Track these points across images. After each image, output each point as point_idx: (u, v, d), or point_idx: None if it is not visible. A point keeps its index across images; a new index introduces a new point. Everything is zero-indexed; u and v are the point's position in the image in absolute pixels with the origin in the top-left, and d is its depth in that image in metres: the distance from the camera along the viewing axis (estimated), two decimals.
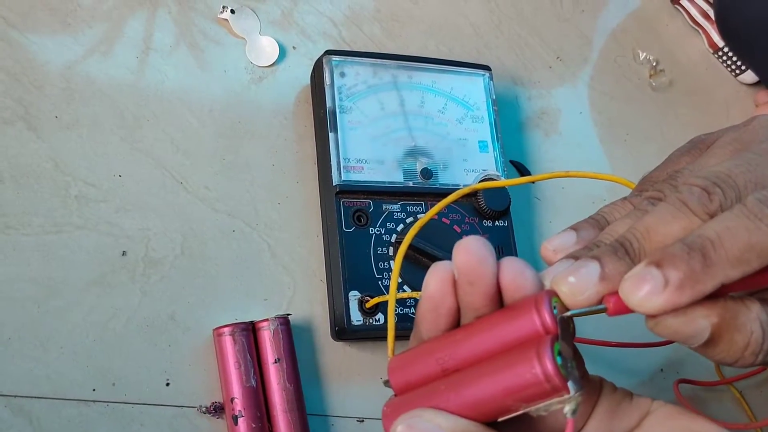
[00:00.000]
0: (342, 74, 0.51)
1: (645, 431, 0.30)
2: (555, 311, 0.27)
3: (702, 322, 0.27)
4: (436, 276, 0.30)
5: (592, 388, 0.31)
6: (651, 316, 0.27)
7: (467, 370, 0.28)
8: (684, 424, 0.30)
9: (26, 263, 0.44)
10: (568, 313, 0.28)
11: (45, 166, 0.46)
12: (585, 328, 0.54)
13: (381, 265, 0.47)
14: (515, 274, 0.28)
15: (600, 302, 0.28)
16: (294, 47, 0.55)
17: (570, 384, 0.26)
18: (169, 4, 0.52)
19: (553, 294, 0.28)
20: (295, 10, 0.56)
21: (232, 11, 0.53)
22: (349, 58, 0.51)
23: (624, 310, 0.28)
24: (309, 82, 0.53)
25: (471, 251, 0.29)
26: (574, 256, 0.29)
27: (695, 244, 0.27)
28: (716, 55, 0.72)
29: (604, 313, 0.28)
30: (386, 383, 0.31)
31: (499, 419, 0.28)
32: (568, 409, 0.26)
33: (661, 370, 0.56)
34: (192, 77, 0.51)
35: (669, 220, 0.28)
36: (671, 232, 0.28)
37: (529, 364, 0.26)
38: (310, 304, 0.48)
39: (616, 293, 0.27)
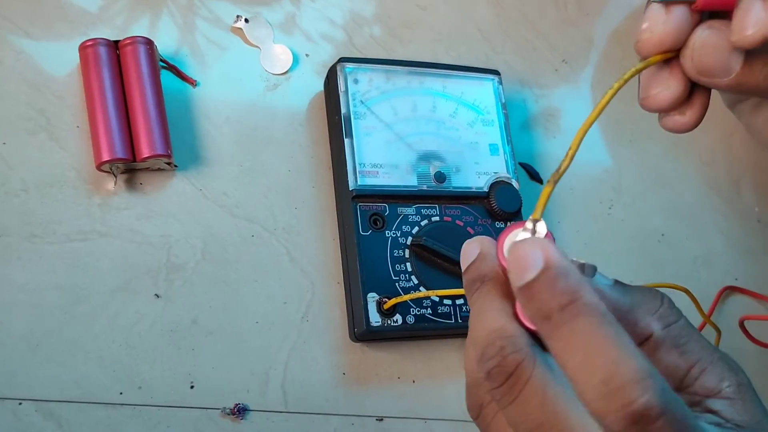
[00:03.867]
0: (355, 81, 0.52)
1: None
2: None
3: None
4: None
5: None
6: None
7: None
8: None
9: (52, 271, 0.45)
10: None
11: (68, 175, 0.47)
12: None
13: (398, 267, 0.48)
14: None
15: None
16: (307, 55, 0.56)
17: None
18: (175, 14, 0.53)
19: None
20: (307, 19, 0.57)
21: (246, 20, 0.54)
22: (362, 65, 0.52)
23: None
24: (322, 88, 0.54)
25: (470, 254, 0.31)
26: None
27: None
28: None
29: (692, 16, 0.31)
30: None
31: None
32: None
33: None
34: (208, 86, 0.52)
35: None
36: None
37: None
38: (329, 307, 0.49)
39: None
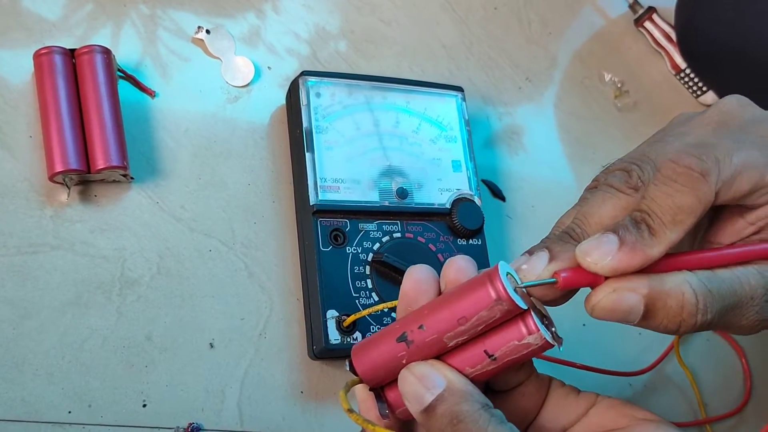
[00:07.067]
0: (318, 95, 0.51)
1: (590, 418, 0.34)
2: (509, 285, 0.29)
3: (633, 296, 0.30)
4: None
5: (542, 385, 0.35)
6: (588, 301, 0.31)
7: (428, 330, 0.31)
8: (626, 411, 0.33)
9: (1, 284, 0.43)
10: (521, 285, 0.31)
11: (20, 186, 0.45)
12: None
13: (358, 284, 0.48)
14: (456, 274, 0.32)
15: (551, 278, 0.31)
16: (269, 67, 0.55)
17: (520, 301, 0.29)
18: (138, 24, 0.52)
19: (504, 269, 0.30)
20: (271, 32, 0.57)
21: (208, 31, 0.53)
22: (325, 79, 0.52)
23: (573, 283, 0.30)
24: (284, 102, 0.54)
25: (415, 279, 0.33)
26: (530, 251, 0.32)
27: (638, 217, 0.30)
28: (678, 77, 0.74)
29: (555, 289, 0.31)
30: (351, 367, 0.33)
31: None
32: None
33: (630, 384, 0.57)
34: (167, 97, 0.51)
35: (600, 202, 0.32)
36: (605, 212, 0.32)
37: (483, 287, 0.30)
38: (287, 324, 0.49)
39: (565, 270, 0.30)
